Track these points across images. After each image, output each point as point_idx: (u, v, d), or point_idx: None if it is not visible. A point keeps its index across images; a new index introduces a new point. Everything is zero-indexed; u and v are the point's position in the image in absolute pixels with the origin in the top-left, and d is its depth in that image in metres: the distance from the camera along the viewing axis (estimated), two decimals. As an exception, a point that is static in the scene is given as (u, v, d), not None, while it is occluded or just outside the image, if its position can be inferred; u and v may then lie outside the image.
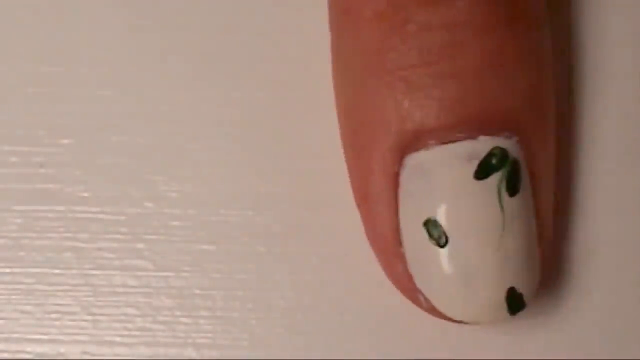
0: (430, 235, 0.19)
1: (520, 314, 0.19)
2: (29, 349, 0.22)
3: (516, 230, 0.19)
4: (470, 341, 0.21)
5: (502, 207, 0.19)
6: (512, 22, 0.19)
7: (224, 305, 0.21)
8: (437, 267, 0.19)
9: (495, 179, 0.19)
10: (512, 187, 0.19)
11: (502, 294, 0.19)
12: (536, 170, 0.19)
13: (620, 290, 0.21)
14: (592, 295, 0.21)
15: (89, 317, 0.22)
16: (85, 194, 0.22)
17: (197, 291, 0.21)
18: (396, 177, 0.19)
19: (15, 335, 0.22)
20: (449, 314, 0.19)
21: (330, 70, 0.21)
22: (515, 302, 0.19)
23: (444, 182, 0.19)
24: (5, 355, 0.21)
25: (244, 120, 0.22)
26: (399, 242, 0.19)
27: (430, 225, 0.19)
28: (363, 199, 0.20)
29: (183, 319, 0.21)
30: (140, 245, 0.22)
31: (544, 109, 0.20)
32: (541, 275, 0.20)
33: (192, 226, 0.22)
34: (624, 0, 0.22)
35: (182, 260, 0.22)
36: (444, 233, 0.19)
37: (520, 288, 0.19)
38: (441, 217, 0.19)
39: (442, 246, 0.19)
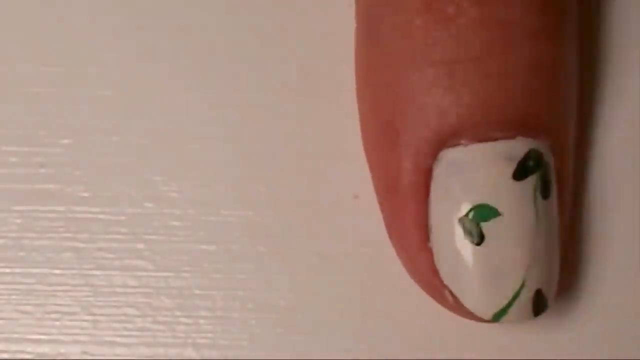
0: (466, 232, 0.19)
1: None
2: (29, 349, 0.22)
3: (545, 232, 0.19)
4: (470, 341, 0.21)
5: (536, 208, 0.19)
6: (560, 29, 0.19)
7: (224, 305, 0.21)
8: (470, 264, 0.19)
9: (532, 180, 0.19)
10: (545, 190, 0.19)
11: (531, 295, 0.19)
12: (562, 175, 0.20)
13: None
14: (594, 296, 0.21)
15: (89, 317, 0.22)
16: (85, 194, 0.22)
17: (197, 291, 0.21)
18: (429, 171, 0.19)
19: (15, 336, 0.22)
20: (477, 313, 0.19)
21: (329, 70, 0.21)
22: (540, 304, 0.19)
23: (484, 180, 0.19)
24: (5, 355, 0.21)
25: (244, 120, 0.22)
26: (426, 236, 0.19)
27: (466, 222, 0.19)
28: (390, 191, 0.20)
29: (183, 319, 0.21)
30: (140, 245, 0.22)
31: (571, 115, 0.20)
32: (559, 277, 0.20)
33: (192, 226, 0.22)
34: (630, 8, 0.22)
35: (182, 260, 0.22)
36: (480, 231, 0.19)
37: (545, 290, 0.19)
38: (478, 215, 0.19)
39: (477, 244, 0.19)
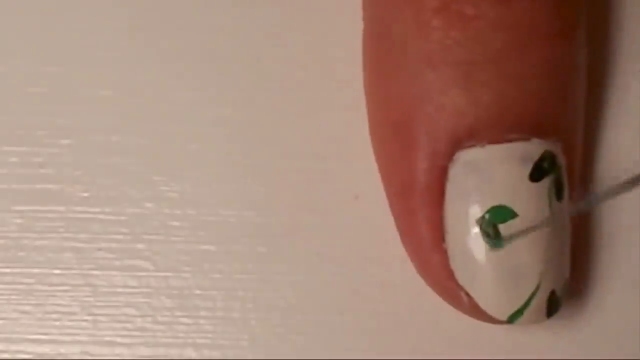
0: (483, 233, 0.19)
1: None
2: (29, 349, 0.22)
3: (559, 234, 0.19)
4: (470, 341, 0.21)
5: (552, 210, 0.19)
6: (573, 32, 0.19)
7: (224, 305, 0.21)
8: (486, 265, 0.19)
9: (547, 182, 0.19)
10: (559, 192, 0.19)
11: (546, 296, 0.19)
12: (571, 176, 0.20)
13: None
14: (600, 297, 0.21)
15: (89, 318, 0.22)
16: (85, 194, 0.22)
17: (197, 291, 0.21)
18: (445, 170, 0.19)
19: (15, 336, 0.22)
20: (493, 314, 0.19)
21: (329, 70, 0.21)
22: (553, 305, 0.19)
23: (500, 182, 0.19)
24: (5, 355, 0.21)
25: (244, 120, 0.22)
26: (440, 237, 0.19)
27: (484, 222, 0.19)
28: (403, 190, 0.20)
29: (183, 319, 0.21)
30: (140, 246, 0.22)
31: (580, 116, 0.20)
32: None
33: (192, 226, 0.22)
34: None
35: (182, 260, 0.22)
36: (498, 231, 0.19)
37: (558, 291, 0.19)
38: (495, 216, 0.19)
39: (494, 245, 0.19)
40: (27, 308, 0.22)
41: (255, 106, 0.22)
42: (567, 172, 0.19)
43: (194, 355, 0.21)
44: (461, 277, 0.19)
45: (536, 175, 0.19)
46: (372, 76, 0.20)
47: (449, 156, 0.19)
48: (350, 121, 0.21)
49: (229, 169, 0.22)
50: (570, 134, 0.20)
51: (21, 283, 0.22)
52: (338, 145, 0.21)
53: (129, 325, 0.21)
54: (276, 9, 0.22)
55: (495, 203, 0.19)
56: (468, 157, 0.19)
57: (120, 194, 0.22)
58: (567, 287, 0.20)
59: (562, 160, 0.19)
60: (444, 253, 0.19)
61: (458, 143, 0.19)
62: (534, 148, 0.19)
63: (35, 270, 0.22)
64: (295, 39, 0.22)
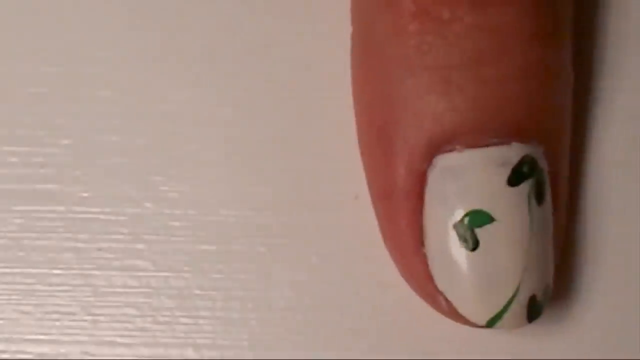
0: (460, 238, 0.19)
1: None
2: (29, 350, 0.22)
3: (539, 238, 0.19)
4: (470, 341, 0.21)
5: (531, 214, 0.19)
6: (554, 35, 0.19)
7: (224, 305, 0.21)
8: (464, 270, 0.19)
9: (526, 186, 0.19)
10: (540, 196, 0.19)
11: (525, 301, 0.19)
12: (556, 180, 0.20)
13: (620, 297, 0.21)
14: (588, 301, 0.21)
15: (89, 318, 0.22)
16: (85, 194, 0.22)
17: (197, 291, 0.21)
18: (423, 175, 0.19)
19: (15, 336, 0.22)
20: (471, 319, 0.19)
21: (329, 70, 0.21)
22: (534, 310, 0.19)
23: (478, 186, 0.19)
24: (5, 356, 0.21)
25: (243, 120, 0.22)
26: (420, 242, 0.19)
27: (461, 227, 0.19)
28: (384, 195, 0.20)
29: (183, 319, 0.21)
30: (140, 246, 0.22)
31: (566, 120, 0.20)
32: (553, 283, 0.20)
33: (192, 226, 0.22)
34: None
35: (182, 260, 0.22)
36: (475, 236, 0.19)
37: (539, 296, 0.19)
38: (473, 221, 0.19)
39: (472, 250, 0.19)
40: (27, 308, 0.22)
41: (255, 106, 0.22)
42: (551, 176, 0.19)
43: (193, 355, 0.21)
44: (440, 281, 0.19)
45: (515, 179, 0.19)
46: (357, 80, 0.20)
47: (428, 161, 0.19)
48: (350, 121, 0.21)
49: (229, 169, 0.22)
50: (554, 138, 0.20)
51: (21, 283, 0.22)
52: (338, 146, 0.21)
53: (129, 325, 0.21)
54: (276, 9, 0.22)
55: (473, 207, 0.19)
56: (446, 162, 0.19)
57: (120, 194, 0.22)
58: (550, 291, 0.19)
59: (543, 164, 0.19)
60: (423, 257, 0.19)
61: (436, 148, 0.19)
62: (513, 152, 0.19)
63: (35, 270, 0.22)
64: (295, 39, 0.22)
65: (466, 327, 0.20)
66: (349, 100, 0.21)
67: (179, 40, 0.22)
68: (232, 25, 0.22)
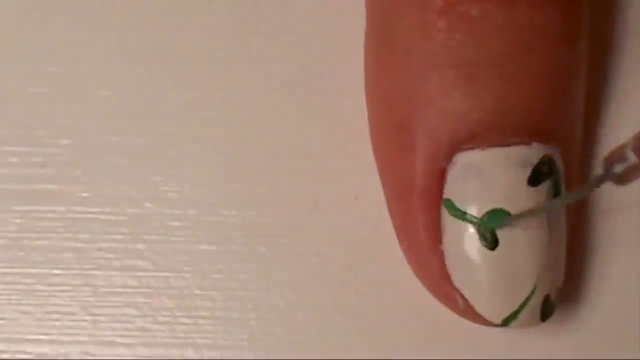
0: (480, 236, 0.19)
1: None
2: (29, 350, 0.22)
3: (555, 238, 0.19)
4: (470, 341, 0.21)
5: (549, 215, 0.19)
6: (578, 37, 0.19)
7: (224, 305, 0.21)
8: (483, 269, 0.19)
9: (545, 186, 0.19)
10: (557, 196, 0.19)
11: (540, 300, 0.19)
12: (569, 180, 0.20)
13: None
14: (596, 300, 0.21)
15: (89, 318, 0.22)
16: (85, 194, 0.22)
17: (197, 291, 0.21)
18: (443, 173, 0.19)
19: (15, 336, 0.22)
20: (487, 317, 0.19)
21: (329, 70, 0.21)
22: (548, 309, 0.19)
23: (499, 185, 0.19)
24: (5, 356, 0.21)
25: (244, 120, 0.22)
26: (437, 240, 0.19)
27: (481, 225, 0.19)
28: (401, 193, 0.20)
29: (183, 319, 0.21)
30: (140, 246, 0.22)
31: (579, 120, 0.20)
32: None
33: (192, 226, 0.22)
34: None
35: (182, 261, 0.22)
36: (495, 236, 0.19)
37: (552, 295, 0.19)
38: (493, 219, 0.19)
39: (492, 248, 0.19)
40: (27, 308, 0.22)
41: (255, 106, 0.22)
42: (565, 177, 0.19)
43: (193, 355, 0.21)
44: (457, 279, 0.19)
45: (535, 179, 0.19)
46: (374, 76, 0.20)
47: (448, 158, 0.19)
48: (350, 121, 0.21)
49: (229, 169, 0.22)
50: (569, 139, 0.20)
51: (21, 283, 0.22)
52: (338, 145, 0.21)
53: (129, 325, 0.21)
54: (276, 9, 0.22)
55: (493, 206, 0.19)
56: (467, 160, 0.19)
57: (120, 194, 0.22)
58: (561, 291, 0.19)
59: (560, 164, 0.19)
60: (440, 255, 0.19)
61: (458, 145, 0.19)
62: (534, 152, 0.19)
63: (35, 270, 0.22)
64: (295, 39, 0.22)
65: (466, 327, 0.20)
66: (350, 100, 0.21)
67: (179, 40, 0.22)
68: (232, 26, 0.22)
